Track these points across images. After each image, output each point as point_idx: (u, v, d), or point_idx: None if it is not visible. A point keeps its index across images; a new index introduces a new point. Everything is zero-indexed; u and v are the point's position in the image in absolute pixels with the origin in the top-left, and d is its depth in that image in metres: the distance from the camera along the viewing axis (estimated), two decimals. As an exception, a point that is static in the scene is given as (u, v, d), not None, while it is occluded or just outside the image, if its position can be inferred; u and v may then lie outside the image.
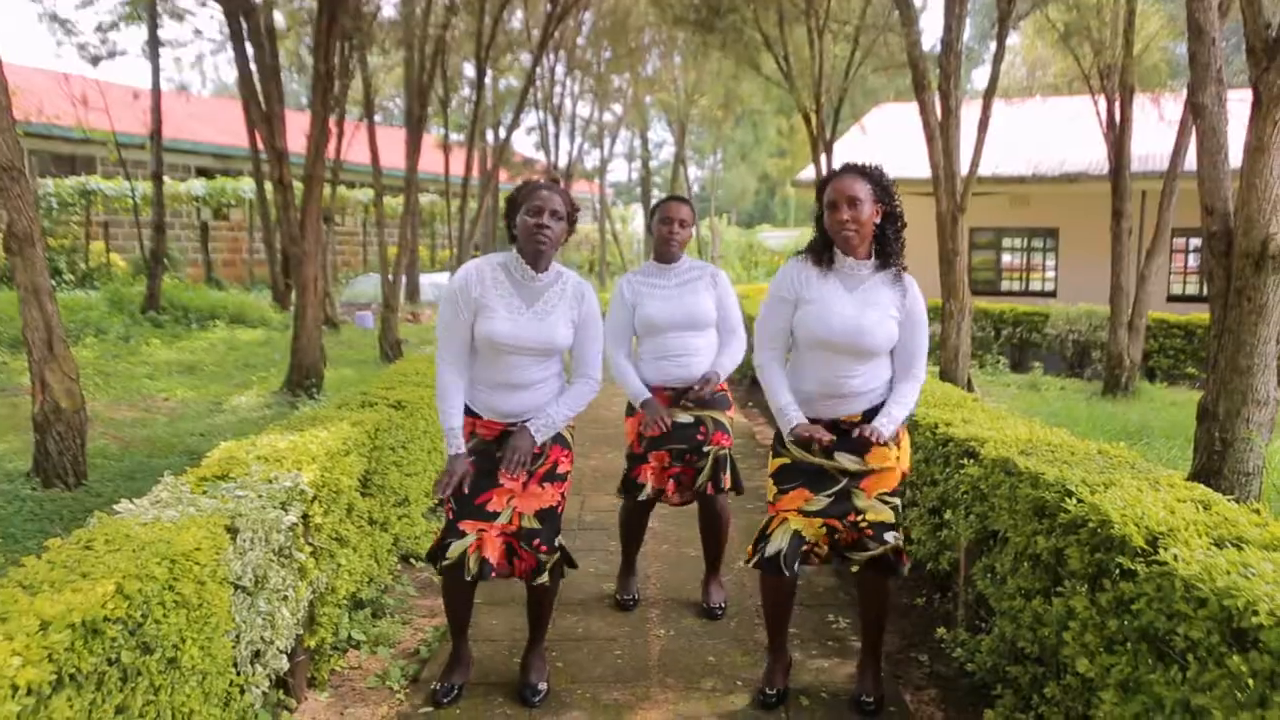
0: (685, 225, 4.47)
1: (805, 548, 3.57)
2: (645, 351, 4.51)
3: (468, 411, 3.71)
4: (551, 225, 3.54)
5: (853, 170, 3.47)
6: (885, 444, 3.45)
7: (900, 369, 3.59)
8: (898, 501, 3.57)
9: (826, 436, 3.43)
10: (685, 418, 4.44)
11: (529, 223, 3.54)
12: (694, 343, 4.45)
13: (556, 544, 3.71)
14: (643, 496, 4.50)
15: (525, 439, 3.57)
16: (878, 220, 3.46)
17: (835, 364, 3.50)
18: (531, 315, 3.60)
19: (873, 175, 3.47)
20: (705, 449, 4.44)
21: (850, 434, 3.50)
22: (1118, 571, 2.63)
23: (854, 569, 3.56)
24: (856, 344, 3.45)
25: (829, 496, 3.52)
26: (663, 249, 4.50)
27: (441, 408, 3.63)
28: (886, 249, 3.51)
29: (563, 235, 3.62)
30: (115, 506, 2.90)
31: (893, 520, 3.54)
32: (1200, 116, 5.26)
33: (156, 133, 15.71)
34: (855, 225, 3.40)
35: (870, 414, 3.54)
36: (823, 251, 3.55)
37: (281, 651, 3.32)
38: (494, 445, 3.65)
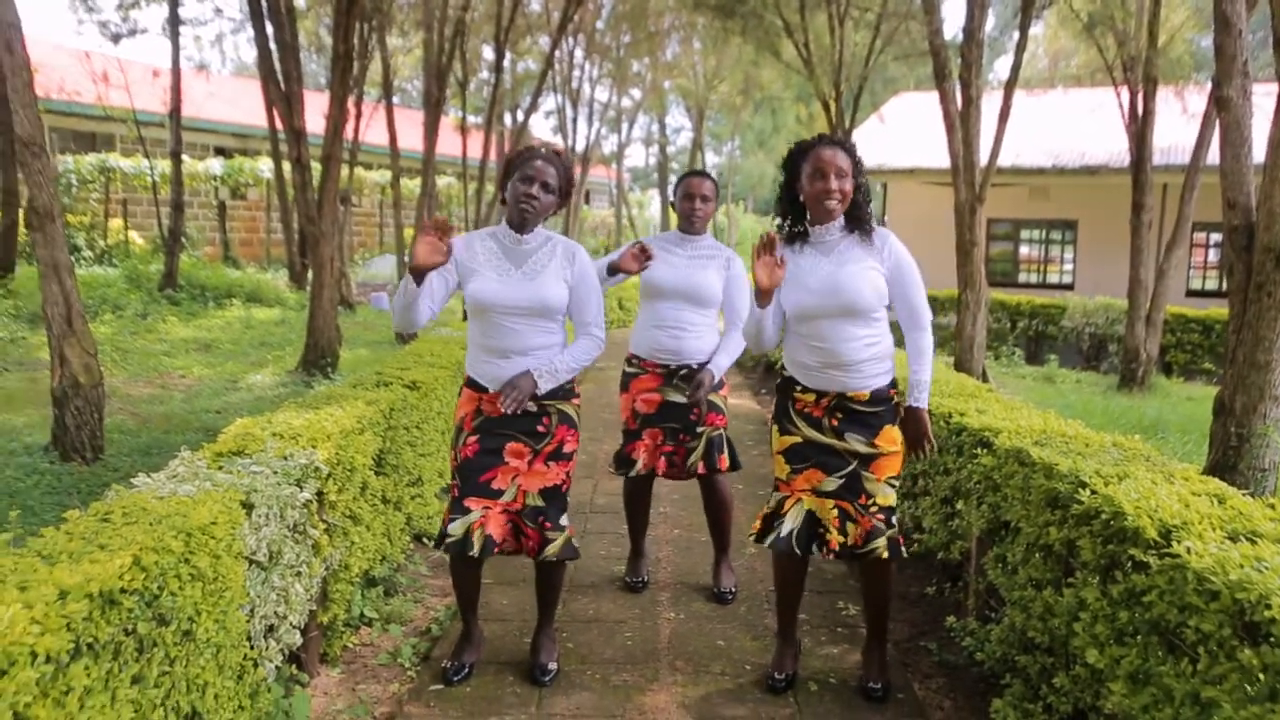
0: (708, 200, 4.49)
1: (820, 530, 3.58)
2: (641, 319, 4.56)
3: (472, 385, 3.73)
4: (540, 196, 3.56)
5: (836, 143, 3.51)
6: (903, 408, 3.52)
7: (907, 325, 3.62)
8: (897, 485, 3.63)
9: (769, 236, 3.41)
10: (678, 397, 4.47)
11: (519, 189, 3.56)
12: (691, 317, 4.45)
13: (563, 522, 3.72)
14: (633, 472, 4.56)
15: (526, 379, 3.56)
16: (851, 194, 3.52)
17: (826, 329, 3.51)
18: (521, 275, 3.61)
19: (851, 151, 3.52)
20: (699, 429, 4.47)
21: (858, 413, 3.54)
22: (1130, 563, 2.62)
23: (884, 554, 3.56)
24: (839, 300, 3.47)
25: (840, 478, 3.54)
26: (685, 224, 4.53)
27: (401, 290, 3.49)
28: (855, 215, 3.55)
29: (551, 206, 3.63)
30: (132, 480, 2.92)
31: (895, 504, 3.59)
32: (1224, 110, 5.22)
33: (176, 111, 15.74)
34: (840, 195, 3.46)
35: (879, 395, 3.55)
36: (794, 231, 3.63)
37: (295, 627, 3.34)
38: (499, 421, 3.65)
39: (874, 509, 3.54)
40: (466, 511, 3.60)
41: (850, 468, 3.55)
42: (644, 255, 4.24)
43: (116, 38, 16.95)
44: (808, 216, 3.58)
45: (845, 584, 4.88)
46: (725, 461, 4.54)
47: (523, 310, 3.59)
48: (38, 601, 1.93)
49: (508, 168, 3.66)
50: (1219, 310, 14.67)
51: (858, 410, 3.55)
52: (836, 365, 3.53)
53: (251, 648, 3.00)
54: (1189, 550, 2.36)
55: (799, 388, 3.65)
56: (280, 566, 3.21)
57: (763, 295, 3.46)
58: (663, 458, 4.56)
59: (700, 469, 4.51)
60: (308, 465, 3.42)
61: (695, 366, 4.45)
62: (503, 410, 3.53)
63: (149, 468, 3.16)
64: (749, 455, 7.10)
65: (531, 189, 3.55)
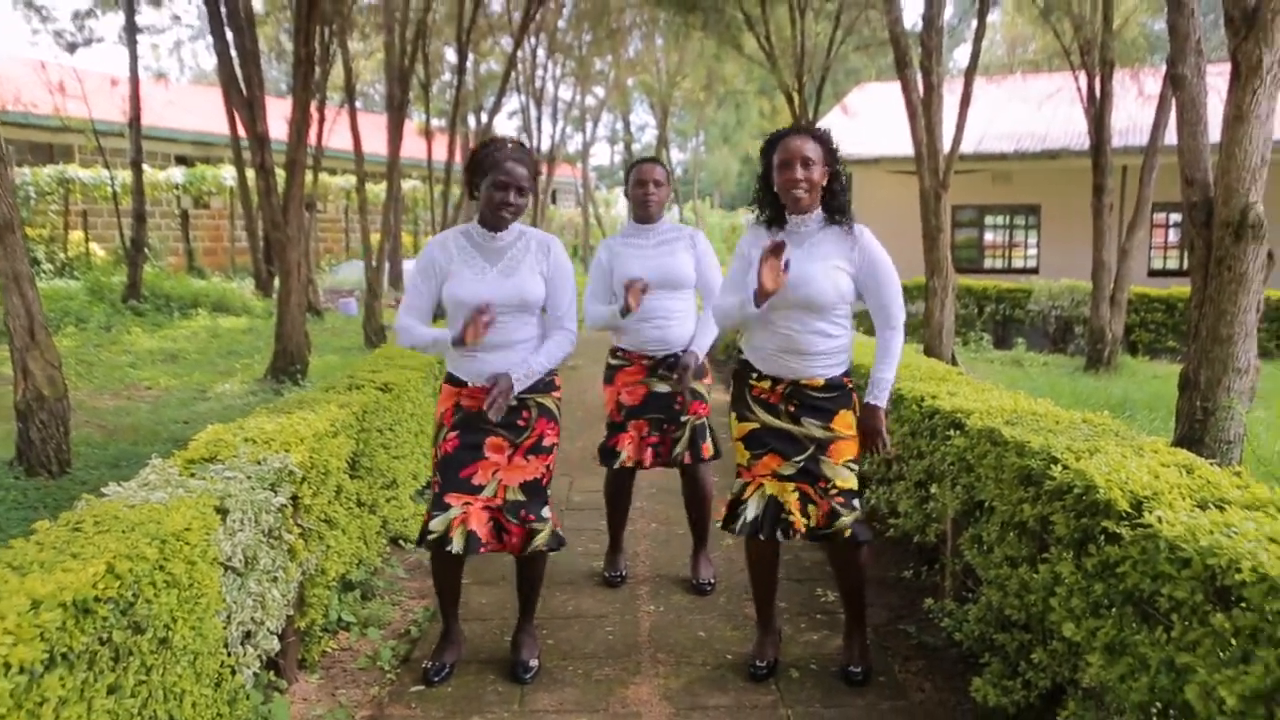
0: (660, 185, 4.49)
1: (784, 514, 3.60)
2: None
3: (452, 380, 3.72)
4: (517, 202, 3.58)
5: (804, 131, 3.53)
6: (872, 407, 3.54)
7: (878, 322, 3.62)
8: (856, 469, 3.64)
9: (778, 242, 3.40)
10: (662, 387, 4.48)
11: (496, 197, 3.55)
12: (671, 304, 4.46)
13: (545, 514, 3.72)
14: (618, 464, 4.56)
15: (505, 379, 3.56)
16: (824, 182, 3.52)
17: (789, 320, 3.52)
18: (497, 274, 3.63)
19: (822, 137, 3.53)
20: (683, 419, 4.48)
21: (813, 399, 3.57)
22: (1103, 536, 2.65)
23: (847, 533, 3.58)
24: (799, 293, 3.47)
25: (799, 462, 3.57)
26: (640, 211, 4.52)
27: (416, 335, 3.68)
28: (833, 205, 3.56)
29: (527, 205, 3.65)
30: (103, 490, 2.88)
31: (856, 487, 3.61)
32: (1180, 88, 5.28)
33: (135, 120, 15.59)
34: (807, 185, 3.46)
35: (833, 382, 3.58)
36: (772, 216, 3.62)
37: (272, 632, 3.32)
38: (478, 416, 3.65)
39: (833, 492, 3.56)
40: (447, 508, 3.59)
41: (808, 452, 3.57)
42: (641, 288, 4.28)
43: (72, 47, 16.78)
44: (786, 207, 3.58)
45: (823, 571, 4.90)
46: (709, 449, 4.56)
47: (504, 307, 3.59)
48: (10, 612, 1.90)
49: (475, 166, 3.64)
50: (1180, 289, 14.84)
51: (812, 396, 3.58)
52: (792, 352, 3.55)
53: (229, 654, 2.98)
54: (1160, 520, 2.38)
55: (755, 374, 3.68)
56: (256, 572, 3.18)
57: (761, 297, 3.44)
58: (649, 449, 4.56)
59: (686, 459, 4.51)
60: (281, 469, 3.40)
61: (681, 353, 4.45)
62: (490, 415, 3.52)
63: (118, 479, 3.12)
64: (723, 446, 7.10)
65: (509, 196, 3.55)
